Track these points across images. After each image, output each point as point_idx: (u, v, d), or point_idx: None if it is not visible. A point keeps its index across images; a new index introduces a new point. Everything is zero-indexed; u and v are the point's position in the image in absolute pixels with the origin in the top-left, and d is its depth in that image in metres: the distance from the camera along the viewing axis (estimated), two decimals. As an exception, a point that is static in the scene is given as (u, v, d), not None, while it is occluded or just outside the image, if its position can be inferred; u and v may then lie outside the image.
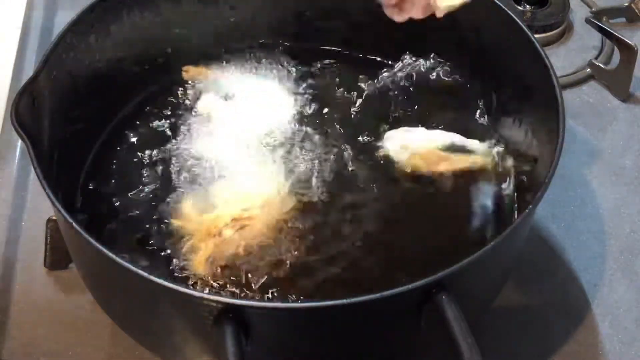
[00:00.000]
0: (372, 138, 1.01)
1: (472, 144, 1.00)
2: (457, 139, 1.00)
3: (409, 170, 0.98)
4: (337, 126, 1.02)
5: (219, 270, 0.88)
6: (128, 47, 1.03)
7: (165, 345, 0.86)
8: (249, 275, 0.88)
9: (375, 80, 1.06)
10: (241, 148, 0.98)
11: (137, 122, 1.03)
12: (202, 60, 1.08)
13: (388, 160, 0.99)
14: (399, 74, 1.07)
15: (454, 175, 0.97)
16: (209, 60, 1.08)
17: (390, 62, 1.08)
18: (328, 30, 1.10)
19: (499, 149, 0.99)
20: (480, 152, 0.99)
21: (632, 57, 1.15)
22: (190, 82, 1.06)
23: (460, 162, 0.98)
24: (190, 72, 1.07)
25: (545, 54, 0.92)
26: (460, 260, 0.76)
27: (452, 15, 0.98)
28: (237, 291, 0.87)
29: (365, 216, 0.94)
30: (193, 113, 1.02)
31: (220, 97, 1.04)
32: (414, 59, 1.07)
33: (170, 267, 0.88)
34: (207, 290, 0.86)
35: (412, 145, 0.99)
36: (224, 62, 1.08)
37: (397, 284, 0.74)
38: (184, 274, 0.88)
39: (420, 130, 1.01)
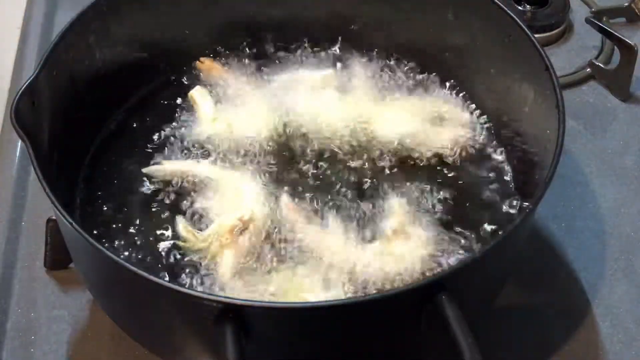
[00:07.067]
0: (360, 136, 1.01)
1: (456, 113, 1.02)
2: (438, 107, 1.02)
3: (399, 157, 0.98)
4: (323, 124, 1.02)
5: (244, 274, 0.88)
6: (128, 46, 1.04)
7: (165, 345, 0.86)
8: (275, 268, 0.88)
9: (368, 81, 1.06)
10: (223, 156, 0.98)
11: (137, 122, 1.03)
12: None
13: (379, 151, 0.99)
14: (391, 72, 1.07)
15: (453, 174, 0.98)
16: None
17: (385, 61, 1.08)
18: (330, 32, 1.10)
19: (484, 119, 1.01)
20: (464, 122, 1.01)
21: (632, 57, 1.15)
22: (190, 80, 1.06)
23: (446, 134, 0.99)
24: (205, 63, 1.07)
25: (546, 54, 0.92)
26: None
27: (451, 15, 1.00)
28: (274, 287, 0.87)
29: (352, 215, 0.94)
30: (187, 116, 1.02)
31: (214, 100, 1.03)
32: (411, 58, 1.08)
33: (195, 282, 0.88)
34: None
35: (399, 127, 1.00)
36: (224, 62, 1.08)
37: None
38: (211, 284, 0.87)
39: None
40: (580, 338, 0.95)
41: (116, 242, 0.91)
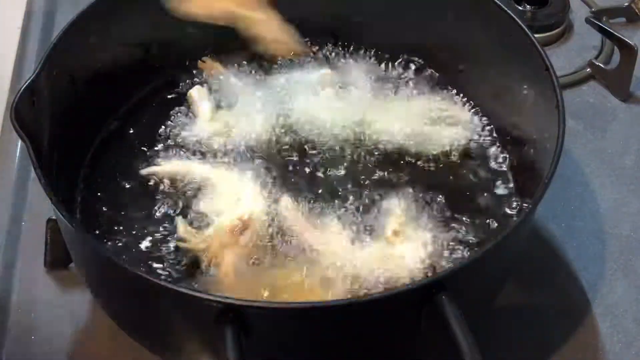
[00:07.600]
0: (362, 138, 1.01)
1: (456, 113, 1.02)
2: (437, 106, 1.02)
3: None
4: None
5: (244, 274, 0.88)
6: (128, 47, 1.04)
7: (165, 345, 0.86)
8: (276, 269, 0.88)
9: (368, 81, 1.06)
10: (223, 156, 0.98)
11: (137, 122, 1.03)
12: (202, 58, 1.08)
13: (378, 151, 0.99)
14: (390, 72, 1.07)
15: (453, 174, 0.98)
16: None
17: (385, 61, 1.08)
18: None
19: (484, 119, 1.01)
20: (464, 122, 1.01)
21: (632, 57, 1.15)
22: (190, 80, 1.06)
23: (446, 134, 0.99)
24: (207, 63, 1.07)
25: (546, 54, 0.92)
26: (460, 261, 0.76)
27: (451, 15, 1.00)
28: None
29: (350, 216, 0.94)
30: (186, 116, 1.02)
31: (213, 100, 1.03)
32: (411, 58, 1.08)
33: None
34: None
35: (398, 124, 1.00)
36: (224, 62, 1.08)
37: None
38: (211, 284, 0.87)
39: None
40: (580, 338, 0.95)
41: (116, 242, 0.91)
